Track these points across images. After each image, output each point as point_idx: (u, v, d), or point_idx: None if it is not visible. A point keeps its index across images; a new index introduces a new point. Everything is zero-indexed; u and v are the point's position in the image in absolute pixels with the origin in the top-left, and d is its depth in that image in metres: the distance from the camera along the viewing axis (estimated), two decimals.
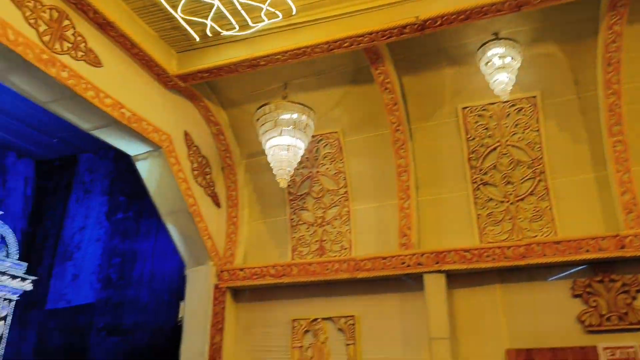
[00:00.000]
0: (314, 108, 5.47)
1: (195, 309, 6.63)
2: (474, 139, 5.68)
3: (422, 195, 5.81)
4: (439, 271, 5.39)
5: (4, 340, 7.78)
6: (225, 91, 6.28)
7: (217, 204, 6.78)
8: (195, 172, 6.41)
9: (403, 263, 5.52)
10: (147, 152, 6.10)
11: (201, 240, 6.51)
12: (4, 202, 8.95)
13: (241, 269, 6.43)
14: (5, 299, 7.91)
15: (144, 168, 6.29)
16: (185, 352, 6.50)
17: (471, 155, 5.68)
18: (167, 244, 8.19)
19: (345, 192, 6.20)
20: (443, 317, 5.25)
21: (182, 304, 6.91)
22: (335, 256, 6.01)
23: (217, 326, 6.47)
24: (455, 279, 5.39)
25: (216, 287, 6.59)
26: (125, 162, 8.62)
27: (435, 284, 5.39)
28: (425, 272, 5.43)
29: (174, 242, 6.89)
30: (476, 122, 5.68)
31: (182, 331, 6.68)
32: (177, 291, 7.70)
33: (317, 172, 6.40)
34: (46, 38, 4.45)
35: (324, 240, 6.18)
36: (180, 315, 6.82)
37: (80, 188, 9.47)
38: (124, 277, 8.35)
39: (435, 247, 5.44)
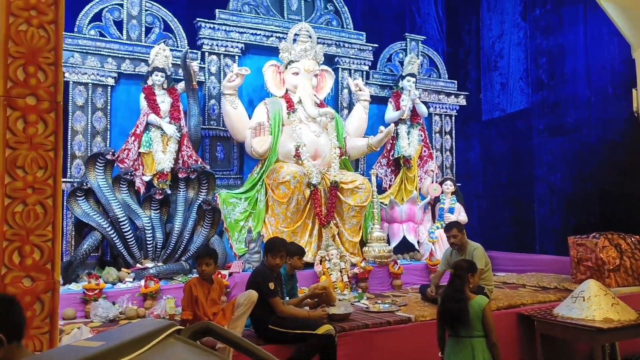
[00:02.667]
0: None
1: None
2: None
3: None
4: None
5: (454, 151, 8.58)
6: None
7: None
8: None
9: None
10: None
11: None
12: (422, 28, 9.41)
13: None
14: (446, 115, 8.60)
15: None
16: None
17: None
18: (599, 29, 7.07)
19: None
20: None
21: (635, 92, 5.96)
22: None
23: None
24: None
25: None
26: None
27: None
28: None
29: (614, 22, 5.83)
30: None
31: (638, 122, 5.83)
32: (623, 80, 6.68)
33: None
34: None
35: None
36: (635, 106, 5.92)
37: None
38: (554, 76, 7.76)
39: None
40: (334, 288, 5.78)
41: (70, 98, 5.96)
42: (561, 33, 7.66)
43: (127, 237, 5.61)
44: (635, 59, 5.88)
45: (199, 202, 5.95)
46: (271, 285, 3.83)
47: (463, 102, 8.66)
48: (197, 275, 3.78)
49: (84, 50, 5.99)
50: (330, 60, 7.53)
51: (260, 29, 7.02)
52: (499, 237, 8.69)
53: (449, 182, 7.60)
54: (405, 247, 7.26)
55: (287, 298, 4.51)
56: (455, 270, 3.56)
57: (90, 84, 6.05)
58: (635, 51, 5.85)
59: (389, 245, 6.89)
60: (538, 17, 8.06)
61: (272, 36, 7.09)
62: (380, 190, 7.53)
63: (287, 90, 6.71)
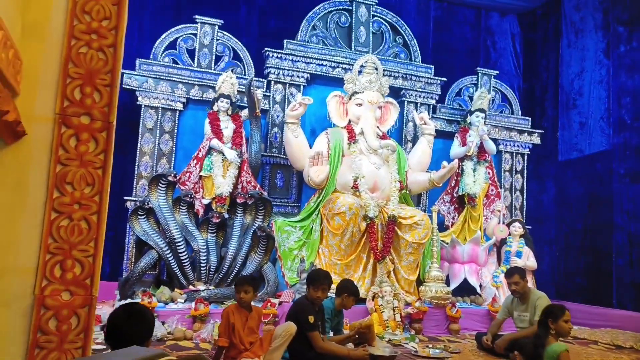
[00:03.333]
0: None
1: None
2: None
3: None
4: None
5: (525, 191, 8.13)
6: None
7: None
8: None
9: None
10: None
11: None
12: (497, 62, 9.12)
13: None
14: (517, 154, 8.19)
15: None
16: None
17: None
18: None
19: None
20: None
21: None
22: None
23: None
24: None
25: None
26: None
27: None
28: None
29: None
30: None
31: None
32: None
33: None
34: None
35: None
36: None
37: (570, 30, 8.59)
38: (639, 117, 7.19)
39: None
40: (386, 327, 5.55)
41: (141, 121, 6.25)
42: None
43: (182, 258, 5.71)
44: None
45: (254, 228, 5.97)
46: (310, 319, 3.70)
47: (537, 140, 8.23)
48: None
49: (157, 76, 6.29)
50: (396, 93, 7.44)
51: (326, 60, 7.08)
52: (572, 287, 8.05)
53: (517, 224, 7.17)
54: (466, 289, 6.87)
55: (332, 333, 4.36)
56: (541, 315, 3.73)
57: (160, 108, 6.32)
58: None
59: (448, 286, 6.56)
60: (622, 54, 7.55)
61: (338, 67, 7.12)
62: (442, 228, 7.24)
63: (350, 121, 6.67)
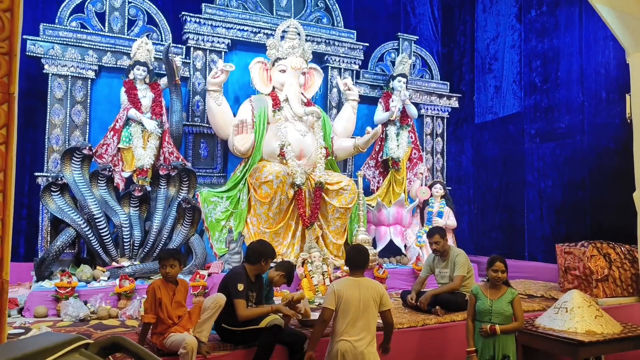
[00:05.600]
0: None
1: None
2: None
3: None
4: None
5: (445, 154, 8.44)
6: None
7: None
8: None
9: None
10: None
11: None
12: (417, 28, 9.27)
13: None
14: (437, 117, 8.45)
15: None
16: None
17: None
18: (594, 33, 6.93)
19: None
20: None
21: (628, 98, 5.82)
22: None
23: None
24: None
25: None
26: None
27: None
28: None
29: (608, 26, 5.69)
30: None
31: (631, 128, 5.69)
32: (617, 85, 6.55)
33: None
34: None
35: None
36: (628, 111, 5.78)
37: None
38: (548, 80, 7.60)
39: None
40: (316, 292, 5.64)
41: (49, 90, 5.83)
42: (556, 35, 7.49)
43: (102, 234, 5.47)
44: (629, 64, 5.73)
45: (179, 200, 5.81)
46: (240, 287, 3.68)
47: (455, 104, 8.52)
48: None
49: (64, 42, 5.86)
50: (319, 59, 7.39)
51: (247, 25, 6.88)
52: (489, 242, 8.56)
53: (438, 185, 7.45)
54: (392, 250, 7.12)
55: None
56: None
57: (70, 77, 5.92)
58: (629, 56, 5.69)
59: (375, 248, 6.76)
60: (533, 19, 7.89)
61: (260, 32, 6.95)
62: (368, 192, 7.40)
63: (273, 87, 6.57)
